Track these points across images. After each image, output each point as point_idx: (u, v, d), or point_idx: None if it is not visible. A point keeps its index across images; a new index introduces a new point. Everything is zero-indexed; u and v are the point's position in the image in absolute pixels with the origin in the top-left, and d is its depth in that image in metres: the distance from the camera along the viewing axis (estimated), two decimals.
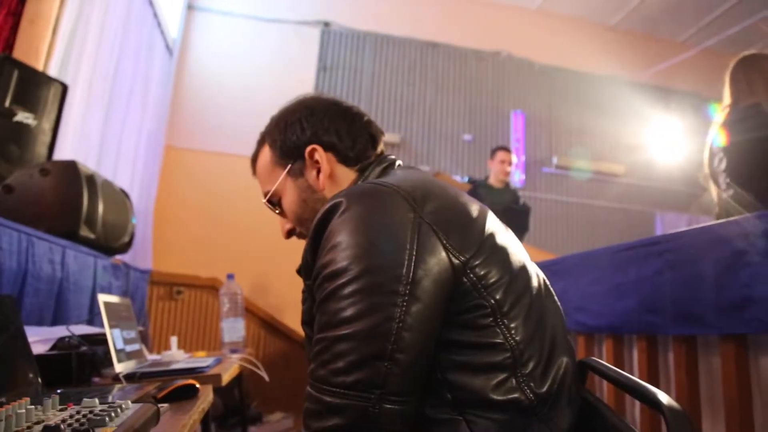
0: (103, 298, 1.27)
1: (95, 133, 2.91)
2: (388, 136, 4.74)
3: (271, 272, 4.22)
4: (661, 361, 1.41)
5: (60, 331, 1.25)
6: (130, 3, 3.41)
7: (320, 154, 0.91)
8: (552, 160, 5.25)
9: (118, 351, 1.23)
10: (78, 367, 1.10)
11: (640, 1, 5.28)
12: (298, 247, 0.79)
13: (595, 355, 1.63)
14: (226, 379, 1.32)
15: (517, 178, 5.08)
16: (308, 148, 0.92)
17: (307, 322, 0.80)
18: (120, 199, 2.10)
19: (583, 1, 5.40)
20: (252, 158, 1.03)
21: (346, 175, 0.93)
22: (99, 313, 1.24)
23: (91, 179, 1.80)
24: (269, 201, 0.98)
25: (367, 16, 5.00)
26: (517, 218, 2.93)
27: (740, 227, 1.07)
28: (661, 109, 5.46)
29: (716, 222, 1.18)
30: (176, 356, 1.59)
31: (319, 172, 0.92)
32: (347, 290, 0.66)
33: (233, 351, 1.81)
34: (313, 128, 0.92)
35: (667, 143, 5.38)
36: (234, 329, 1.82)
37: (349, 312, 0.65)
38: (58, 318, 1.59)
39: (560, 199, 5.22)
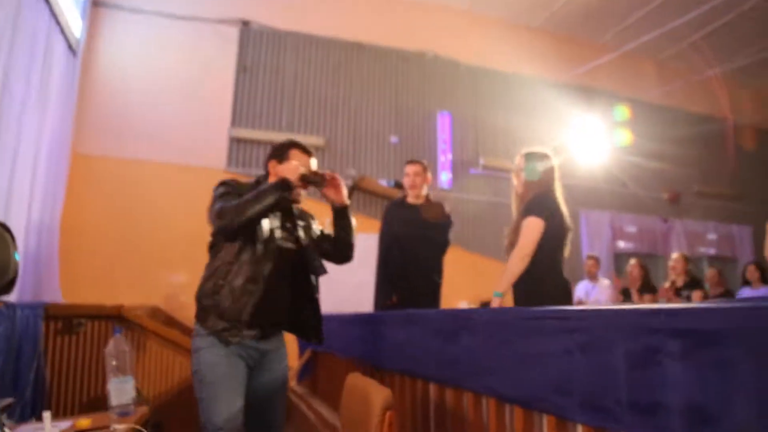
0: None
1: None
2: (312, 139, 4.62)
3: (193, 284, 4.04)
4: None
5: None
6: (19, 2, 3.13)
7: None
8: (479, 161, 5.29)
9: None
10: None
11: (563, 3, 5.37)
12: None
13: (506, 427, 1.52)
14: None
15: (444, 179, 5.10)
16: None
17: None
18: None
19: (508, 4, 5.44)
20: None
21: None
22: None
23: None
24: None
25: (288, 15, 4.83)
26: (432, 233, 2.86)
27: (653, 319, 0.96)
28: (584, 108, 5.61)
29: (629, 306, 1.08)
30: None
31: None
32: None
33: (122, 414, 1.67)
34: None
35: (589, 142, 5.52)
36: (122, 390, 1.68)
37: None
38: None
39: (488, 199, 5.27)
